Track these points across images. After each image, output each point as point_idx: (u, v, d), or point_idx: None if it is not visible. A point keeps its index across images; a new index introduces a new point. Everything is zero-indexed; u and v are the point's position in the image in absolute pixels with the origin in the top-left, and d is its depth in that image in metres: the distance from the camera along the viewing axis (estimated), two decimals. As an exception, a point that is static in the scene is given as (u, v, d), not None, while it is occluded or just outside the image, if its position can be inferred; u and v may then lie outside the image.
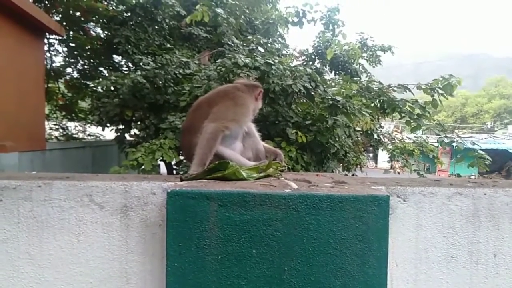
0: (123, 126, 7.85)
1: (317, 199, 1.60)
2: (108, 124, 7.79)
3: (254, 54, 5.73)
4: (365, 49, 12.74)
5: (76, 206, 1.80)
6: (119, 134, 7.96)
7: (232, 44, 6.41)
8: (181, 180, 1.88)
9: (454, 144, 6.35)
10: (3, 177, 1.85)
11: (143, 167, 5.06)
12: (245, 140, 2.39)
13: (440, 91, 5.75)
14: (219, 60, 5.95)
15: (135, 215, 1.81)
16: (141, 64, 7.17)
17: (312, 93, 5.32)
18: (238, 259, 1.59)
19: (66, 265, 1.80)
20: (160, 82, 6.73)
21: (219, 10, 6.33)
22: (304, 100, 6.03)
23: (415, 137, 8.17)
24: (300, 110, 6.11)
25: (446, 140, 6.00)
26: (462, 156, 6.49)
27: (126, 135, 8.12)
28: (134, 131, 7.95)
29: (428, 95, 5.98)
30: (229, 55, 5.62)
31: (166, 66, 6.64)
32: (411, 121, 6.27)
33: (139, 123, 7.85)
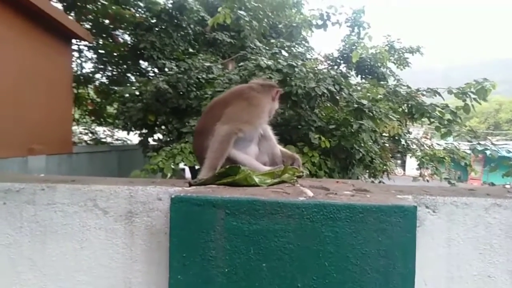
0: (147, 131, 7.89)
1: (334, 208, 1.44)
2: (132, 129, 7.84)
3: (277, 56, 5.60)
4: (392, 52, 12.40)
5: (79, 211, 1.71)
6: (142, 138, 8.00)
7: (255, 47, 6.31)
8: (189, 185, 1.77)
9: (488, 152, 5.99)
10: (7, 179, 1.79)
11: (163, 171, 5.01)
12: (260, 143, 2.27)
13: (473, 96, 5.43)
14: (241, 63, 5.86)
15: (140, 222, 1.70)
16: (165, 69, 7.18)
17: (337, 96, 5.13)
18: (246, 273, 1.45)
19: (69, 273, 1.71)
20: (183, 87, 6.70)
21: (242, 13, 6.26)
22: (328, 104, 5.84)
23: (445, 143, 7.78)
24: (324, 114, 5.92)
25: (479, 148, 5.65)
26: (496, 164, 6.11)
27: (150, 140, 8.15)
28: (157, 135, 7.98)
29: (460, 99, 5.67)
30: (251, 58, 5.52)
31: (189, 71, 6.61)
32: (441, 127, 5.97)
33: (162, 127, 7.87)
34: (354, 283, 1.43)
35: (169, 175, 5.00)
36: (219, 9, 5.84)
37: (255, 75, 5.07)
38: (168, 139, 7.01)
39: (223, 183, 1.74)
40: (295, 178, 1.92)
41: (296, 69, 4.97)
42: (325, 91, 4.71)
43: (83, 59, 14.56)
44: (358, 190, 1.72)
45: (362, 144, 5.34)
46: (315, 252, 1.44)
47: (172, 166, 5.10)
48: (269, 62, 5.03)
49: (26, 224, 1.72)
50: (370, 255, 1.44)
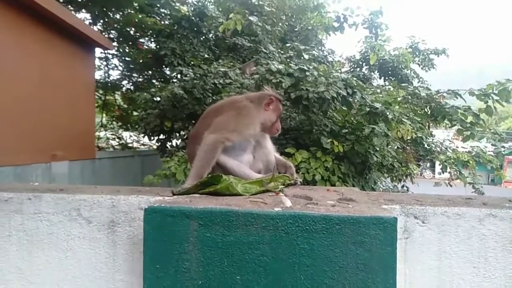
0: (164, 136, 8.00)
1: (310, 220, 1.39)
2: (150, 134, 7.98)
3: (288, 60, 5.54)
4: (417, 53, 12.08)
5: (64, 220, 1.73)
6: (160, 144, 8.12)
7: (268, 52, 6.29)
8: (173, 194, 1.75)
9: (516, 155, 5.70)
10: (-3, 189, 1.83)
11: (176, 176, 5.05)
12: (255, 151, 2.23)
13: (495, 97, 5.18)
14: (253, 68, 5.85)
15: (122, 231, 1.71)
16: (181, 75, 7.27)
17: (350, 99, 5.02)
18: (220, 285, 1.42)
19: (54, 282, 1.73)
20: (198, 93, 6.76)
21: (253, 18, 6.25)
22: (344, 108, 5.73)
23: (471, 146, 7.47)
24: (339, 118, 5.81)
25: (504, 151, 5.38)
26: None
27: (168, 145, 8.26)
28: (174, 141, 8.08)
29: (482, 101, 5.42)
30: (262, 62, 5.49)
31: (204, 76, 6.66)
32: (463, 129, 5.73)
33: (180, 132, 7.96)
34: (331, 298, 1.37)
35: (181, 180, 5.02)
36: (231, 15, 5.87)
37: (266, 79, 5.04)
38: (185, 144, 7.07)
39: (205, 192, 1.72)
40: (281, 186, 1.87)
41: (308, 73, 4.91)
42: (335, 95, 4.61)
43: (110, 67, 15.01)
44: (343, 199, 1.66)
45: (377, 149, 5.20)
46: (290, 265, 1.39)
47: (185, 171, 5.12)
48: (280, 66, 4.98)
49: (14, 232, 1.76)
50: (348, 268, 1.37)
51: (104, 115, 15.90)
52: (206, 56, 9.64)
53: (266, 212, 1.41)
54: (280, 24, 8.44)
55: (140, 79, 15.38)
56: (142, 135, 14.97)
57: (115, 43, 13.45)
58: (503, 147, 5.41)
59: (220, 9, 11.60)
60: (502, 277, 1.55)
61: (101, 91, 14.49)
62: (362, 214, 1.39)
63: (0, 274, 1.75)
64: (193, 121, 7.25)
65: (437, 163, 7.81)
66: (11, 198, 1.76)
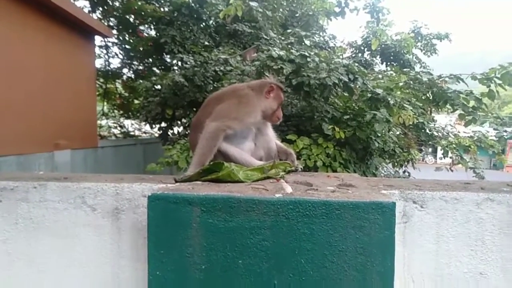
0: (166, 124, 8.02)
1: (310, 205, 1.42)
2: (152, 122, 8.00)
3: (289, 46, 5.51)
4: (419, 38, 11.96)
5: (69, 208, 1.77)
6: (162, 131, 8.15)
7: (268, 38, 6.25)
8: (175, 181, 1.78)
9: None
10: (2, 178, 1.86)
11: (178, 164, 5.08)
12: (257, 138, 2.25)
13: (498, 81, 5.15)
14: (254, 54, 5.83)
15: (126, 218, 1.74)
16: (182, 63, 7.25)
17: (351, 85, 5.00)
18: (223, 269, 1.45)
19: (60, 267, 1.78)
20: (199, 80, 6.75)
21: (253, 4, 6.19)
22: (345, 94, 5.71)
23: (473, 131, 7.45)
24: (340, 104, 5.80)
25: (506, 136, 5.38)
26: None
27: (169, 133, 8.29)
28: (176, 128, 8.10)
29: (484, 85, 5.39)
30: (263, 48, 5.47)
31: (205, 64, 6.63)
32: (465, 114, 5.72)
33: (182, 120, 7.98)
34: (331, 281, 1.41)
35: (184, 168, 5.06)
36: (231, 0, 5.82)
37: (267, 66, 5.03)
38: (186, 132, 7.09)
39: (207, 180, 1.75)
40: (282, 173, 1.90)
41: (309, 59, 4.88)
42: (336, 81, 4.60)
43: (110, 55, 14.95)
44: (343, 185, 1.68)
45: (379, 134, 5.20)
46: (291, 250, 1.43)
47: (187, 159, 5.15)
48: (281, 53, 4.96)
49: (21, 220, 1.79)
50: (348, 252, 1.41)
51: (105, 103, 15.91)
52: (206, 43, 9.58)
53: (267, 198, 1.44)
54: (281, 9, 8.36)
55: (141, 67, 15.33)
56: (144, 123, 15.04)
57: (114, 31, 13.37)
58: (505, 131, 5.39)
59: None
60: (498, 259, 1.58)
61: (101, 80, 14.47)
62: (361, 199, 1.41)
63: (9, 261, 1.79)
64: (194, 109, 7.26)
65: (439, 148, 7.80)
66: (17, 187, 1.79)
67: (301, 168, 2.22)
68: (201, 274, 1.46)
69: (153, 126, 8.43)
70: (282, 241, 1.43)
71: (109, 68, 14.98)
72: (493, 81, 5.34)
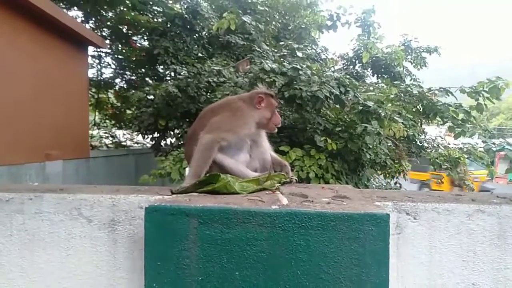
0: (159, 135, 8.01)
1: (306, 217, 1.44)
2: (144, 133, 7.99)
3: (282, 59, 5.59)
4: (409, 51, 12.17)
5: (65, 220, 1.77)
6: (154, 142, 8.13)
7: (261, 51, 6.34)
8: (172, 193, 1.80)
9: (506, 152, 5.81)
10: (-2, 189, 1.86)
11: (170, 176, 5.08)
12: (252, 150, 2.28)
13: (486, 95, 5.28)
14: (247, 66, 5.89)
15: (122, 230, 1.74)
16: (175, 74, 7.28)
17: (343, 97, 5.08)
18: (219, 281, 1.46)
19: (56, 280, 1.77)
20: (192, 91, 6.78)
21: (246, 18, 6.28)
22: (337, 106, 5.79)
23: (462, 143, 7.58)
24: (332, 116, 5.87)
25: (494, 148, 5.49)
26: (513, 164, 5.90)
27: (162, 143, 8.27)
28: (169, 139, 8.09)
29: (473, 99, 5.52)
30: (256, 61, 5.54)
31: (198, 75, 6.68)
32: (454, 126, 5.84)
33: (175, 131, 7.97)
34: (326, 292, 1.43)
35: (176, 179, 5.05)
36: (225, 14, 5.90)
37: (260, 78, 5.08)
38: (179, 143, 7.10)
39: (204, 191, 1.77)
40: (278, 185, 1.92)
41: (301, 72, 4.96)
42: (328, 94, 4.67)
43: (103, 65, 14.94)
44: (337, 197, 1.71)
45: (370, 146, 5.27)
46: (287, 261, 1.44)
47: (180, 171, 5.15)
48: (274, 66, 5.03)
49: (15, 232, 1.78)
50: (343, 263, 1.43)
51: (97, 113, 15.84)
52: (199, 54, 9.64)
53: (263, 210, 1.46)
54: (273, 22, 8.48)
55: (133, 77, 15.33)
56: (136, 133, 14.97)
57: (107, 41, 13.38)
58: (494, 143, 5.50)
59: (213, 6, 11.59)
60: (490, 270, 1.62)
61: (94, 90, 14.41)
62: (356, 211, 1.44)
63: (3, 273, 1.78)
64: (188, 120, 7.27)
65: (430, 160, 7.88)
66: (12, 198, 1.79)
67: (296, 180, 2.25)
68: (198, 285, 1.47)
69: (146, 136, 8.41)
70: (278, 253, 1.45)
71: (102, 78, 14.96)
72: (481, 95, 5.48)
